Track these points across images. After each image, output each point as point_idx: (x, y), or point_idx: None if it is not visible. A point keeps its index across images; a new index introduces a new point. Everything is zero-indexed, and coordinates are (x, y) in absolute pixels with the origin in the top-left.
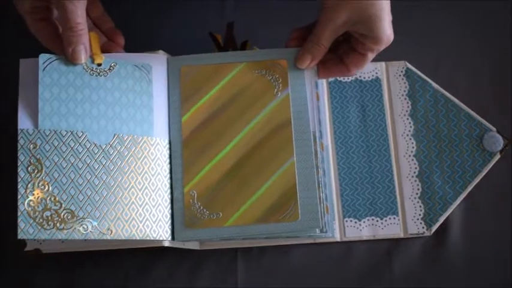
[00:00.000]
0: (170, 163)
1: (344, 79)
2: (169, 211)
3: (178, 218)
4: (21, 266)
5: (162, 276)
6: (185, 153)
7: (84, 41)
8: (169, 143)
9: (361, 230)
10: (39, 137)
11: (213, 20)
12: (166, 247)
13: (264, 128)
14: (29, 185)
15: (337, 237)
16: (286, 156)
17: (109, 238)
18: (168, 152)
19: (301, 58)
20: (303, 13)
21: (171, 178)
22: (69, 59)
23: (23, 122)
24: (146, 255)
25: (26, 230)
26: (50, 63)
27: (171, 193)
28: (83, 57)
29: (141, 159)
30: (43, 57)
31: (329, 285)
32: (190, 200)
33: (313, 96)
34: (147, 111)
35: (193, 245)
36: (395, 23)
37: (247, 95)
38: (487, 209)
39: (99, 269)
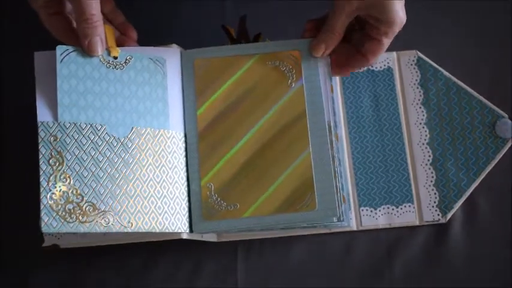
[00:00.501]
0: (186, 156)
1: None
2: (187, 204)
3: (196, 210)
4: (20, 265)
5: (162, 275)
6: (201, 146)
7: (100, 32)
8: (185, 136)
9: (377, 219)
10: (59, 130)
11: (213, 20)
12: (166, 246)
13: (279, 119)
14: (51, 178)
15: (354, 227)
16: (302, 147)
17: (130, 231)
18: (183, 145)
19: (316, 47)
20: (303, 13)
21: (187, 171)
22: (86, 51)
23: (42, 114)
24: (147, 254)
25: (50, 223)
26: (67, 54)
27: (188, 186)
28: (100, 49)
29: (159, 152)
30: (60, 49)
31: (329, 285)
32: (208, 193)
33: (327, 86)
34: (163, 104)
35: (211, 237)
36: None
37: (261, 86)
38: (488, 208)
39: (99, 267)
